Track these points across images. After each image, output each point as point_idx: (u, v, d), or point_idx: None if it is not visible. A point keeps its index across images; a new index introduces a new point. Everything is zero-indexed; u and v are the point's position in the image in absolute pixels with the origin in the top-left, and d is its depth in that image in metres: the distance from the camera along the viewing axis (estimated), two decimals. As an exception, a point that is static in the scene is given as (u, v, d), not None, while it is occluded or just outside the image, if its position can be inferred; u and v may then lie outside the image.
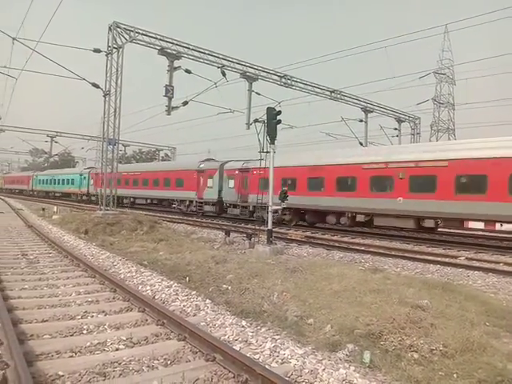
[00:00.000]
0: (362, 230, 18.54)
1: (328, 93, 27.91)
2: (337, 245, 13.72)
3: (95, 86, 19.56)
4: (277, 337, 4.84)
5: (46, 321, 5.24)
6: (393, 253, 12.35)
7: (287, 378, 3.69)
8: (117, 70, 18.82)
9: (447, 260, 11.31)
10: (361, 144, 30.77)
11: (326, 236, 16.47)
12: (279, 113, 11.88)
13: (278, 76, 25.27)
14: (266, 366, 3.83)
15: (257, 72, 24.17)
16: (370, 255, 11.85)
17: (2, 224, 16.87)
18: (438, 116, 59.52)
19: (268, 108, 12.12)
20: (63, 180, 46.55)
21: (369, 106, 30.50)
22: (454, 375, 4.01)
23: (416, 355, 4.44)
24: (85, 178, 40.80)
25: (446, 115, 56.68)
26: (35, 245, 11.75)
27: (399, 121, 33.19)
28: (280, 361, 4.14)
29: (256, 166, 18.38)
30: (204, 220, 22.77)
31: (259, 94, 24.11)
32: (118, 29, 18.75)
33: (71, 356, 4.18)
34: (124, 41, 18.95)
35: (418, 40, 23.21)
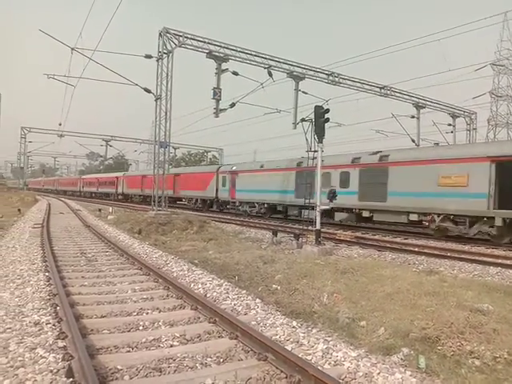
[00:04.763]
0: (415, 231, 17.92)
1: (377, 89, 27.19)
2: (388, 246, 13.30)
3: (147, 91, 20.30)
4: (329, 338, 4.77)
5: (105, 316, 5.48)
6: (449, 254, 11.80)
7: (341, 381, 3.63)
8: (167, 75, 19.40)
9: (509, 262, 10.64)
10: (413, 141, 29.73)
11: (376, 237, 16.03)
12: (327, 111, 11.71)
13: (326, 74, 24.95)
14: (319, 368, 3.79)
15: (303, 71, 24.01)
16: (424, 256, 11.40)
17: (63, 224, 17.91)
18: (496, 110, 56.28)
19: (316, 106, 11.99)
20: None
21: (421, 101, 29.38)
22: (522, 385, 3.76)
23: (477, 362, 4.21)
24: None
25: (504, 109, 53.48)
26: (93, 244, 12.35)
27: (454, 116, 31.69)
28: (333, 363, 4.08)
29: None
30: (251, 220, 22.91)
31: (306, 93, 23.95)
32: (168, 34, 19.34)
33: (128, 351, 4.34)
34: (173, 46, 19.51)
35: (475, 31, 22.02)
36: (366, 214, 17.46)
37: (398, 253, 12.01)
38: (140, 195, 41.53)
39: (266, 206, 24.14)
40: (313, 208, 20.79)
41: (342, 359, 4.13)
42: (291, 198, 21.32)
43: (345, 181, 18.42)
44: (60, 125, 41.07)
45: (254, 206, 25.16)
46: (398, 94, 28.11)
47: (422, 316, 5.35)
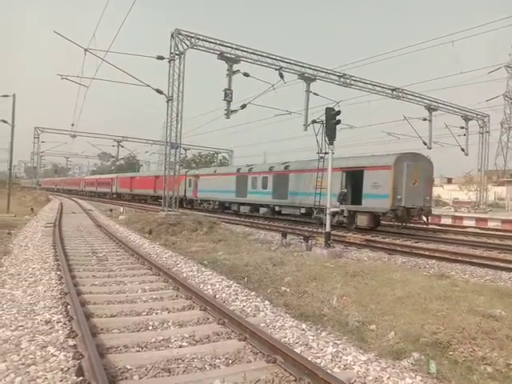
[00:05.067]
0: (426, 235, 17.80)
1: (389, 91, 27.04)
2: (399, 249, 13.20)
3: (159, 92, 20.42)
4: (338, 342, 4.73)
5: (115, 316, 5.52)
6: (460, 258, 11.66)
7: (350, 385, 3.61)
8: (179, 76, 19.50)
9: (522, 267, 10.46)
10: (424, 144, 29.48)
11: (387, 240, 15.91)
12: (338, 113, 11.66)
13: (337, 76, 24.88)
14: (328, 371, 3.76)
15: (315, 72, 23.97)
16: (435, 260, 11.28)
17: (74, 223, 18.09)
18: (510, 113, 55.68)
19: (327, 108, 11.95)
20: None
21: (433, 103, 29.13)
22: (535, 393, 3.70)
23: (490, 369, 4.15)
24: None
25: (518, 112, 52.85)
26: (104, 243, 12.45)
27: (466, 119, 31.38)
28: (342, 366, 4.05)
29: None
30: (261, 221, 22.90)
31: (317, 95, 23.90)
32: (180, 36, 19.45)
33: (138, 351, 4.36)
34: (185, 47, 19.61)
35: (489, 32, 21.66)
36: (277, 208, 23.04)
37: (408, 256, 11.91)
38: (129, 194, 47.27)
39: (217, 203, 28.94)
40: (249, 204, 25.27)
41: (352, 363, 4.10)
42: (233, 196, 26.70)
43: (265, 184, 24.10)
44: (73, 125, 41.54)
45: (210, 203, 29.77)
46: (409, 96, 27.93)
47: (433, 320, 5.29)
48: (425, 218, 17.61)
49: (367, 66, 25.99)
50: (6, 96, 23.97)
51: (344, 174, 18.75)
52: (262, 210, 24.32)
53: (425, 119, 29.53)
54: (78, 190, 67.74)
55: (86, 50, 19.77)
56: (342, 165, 18.75)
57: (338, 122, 11.71)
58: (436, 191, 65.47)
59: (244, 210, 26.00)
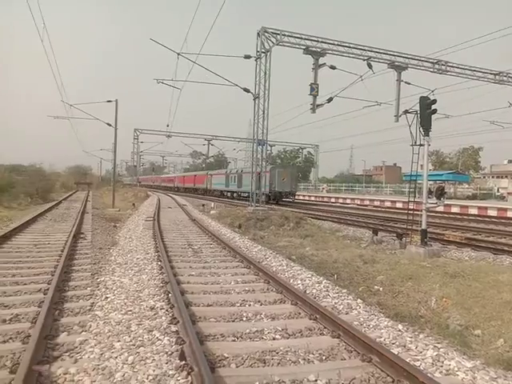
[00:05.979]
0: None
1: (491, 76, 24.65)
2: (506, 248, 11.98)
3: (246, 90, 20.89)
4: (438, 345, 4.46)
5: (211, 305, 5.80)
6: None
7: (455, 392, 3.38)
8: (265, 74, 19.78)
9: None
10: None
11: (490, 238, 14.57)
12: (434, 102, 10.90)
13: (431, 63, 23.33)
14: (429, 375, 3.56)
15: (406, 61, 22.75)
16: (550, 262, 10.06)
17: (171, 218, 19.31)
18: None
19: (421, 97, 11.24)
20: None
21: (545, 87, 25.91)
22: None
23: None
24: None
25: None
26: (198, 236, 13.12)
27: None
28: (445, 371, 3.80)
29: None
30: (349, 218, 22.37)
31: (409, 84, 22.64)
32: (266, 33, 19.70)
33: (234, 340, 4.53)
34: (271, 44, 19.82)
35: None
36: (239, 193, 38.31)
37: (517, 257, 10.77)
38: (182, 187, 61.56)
39: (218, 191, 45.77)
40: (229, 191, 43.03)
41: (456, 369, 3.84)
42: (223, 187, 43.19)
43: (234, 180, 39.92)
44: (168, 126, 44.36)
45: (217, 191, 46.04)
46: (516, 80, 25.17)
47: (551, 329, 4.75)
48: (292, 197, 34.46)
49: (466, 50, 23.91)
50: (110, 101, 26.33)
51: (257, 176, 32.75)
52: (234, 194, 40.23)
53: (535, 105, 26.42)
54: (153, 185, 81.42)
55: (178, 54, 20.93)
56: (258, 170, 33.09)
57: (434, 111, 10.94)
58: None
59: (227, 194, 42.33)
